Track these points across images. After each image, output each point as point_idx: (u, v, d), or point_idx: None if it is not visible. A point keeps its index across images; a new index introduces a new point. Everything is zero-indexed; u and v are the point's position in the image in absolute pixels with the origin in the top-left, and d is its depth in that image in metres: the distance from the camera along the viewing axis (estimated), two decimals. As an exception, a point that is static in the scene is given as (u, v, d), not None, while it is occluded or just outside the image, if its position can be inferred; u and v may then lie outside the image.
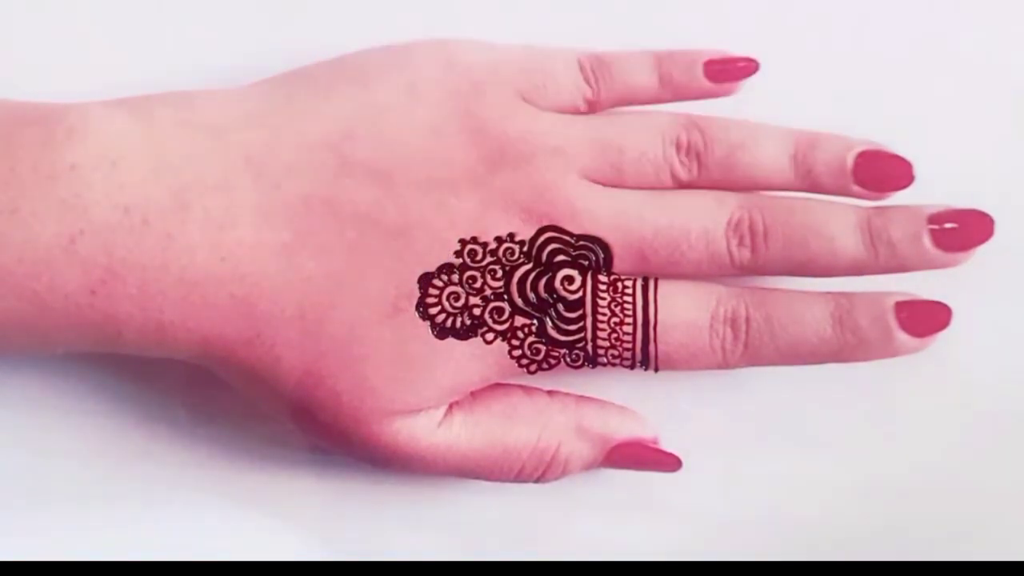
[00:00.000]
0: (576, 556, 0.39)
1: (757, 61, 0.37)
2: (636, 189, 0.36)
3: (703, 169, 0.36)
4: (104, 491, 0.39)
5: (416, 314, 0.34)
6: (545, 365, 0.35)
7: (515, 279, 0.35)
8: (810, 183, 0.36)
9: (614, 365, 0.35)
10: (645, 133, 0.36)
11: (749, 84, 0.37)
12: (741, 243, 0.35)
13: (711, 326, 0.35)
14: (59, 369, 0.39)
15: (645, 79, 0.37)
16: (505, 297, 0.35)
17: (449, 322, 0.34)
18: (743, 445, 0.40)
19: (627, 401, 0.38)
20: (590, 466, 0.38)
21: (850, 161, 0.36)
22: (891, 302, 0.35)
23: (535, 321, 0.35)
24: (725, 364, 0.35)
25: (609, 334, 0.35)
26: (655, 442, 0.38)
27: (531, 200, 0.35)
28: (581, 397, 0.38)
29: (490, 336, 0.35)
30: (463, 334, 0.35)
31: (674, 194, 0.36)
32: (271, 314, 0.33)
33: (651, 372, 0.35)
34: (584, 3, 0.40)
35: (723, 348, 0.35)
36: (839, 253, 0.35)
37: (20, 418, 0.39)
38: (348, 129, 0.34)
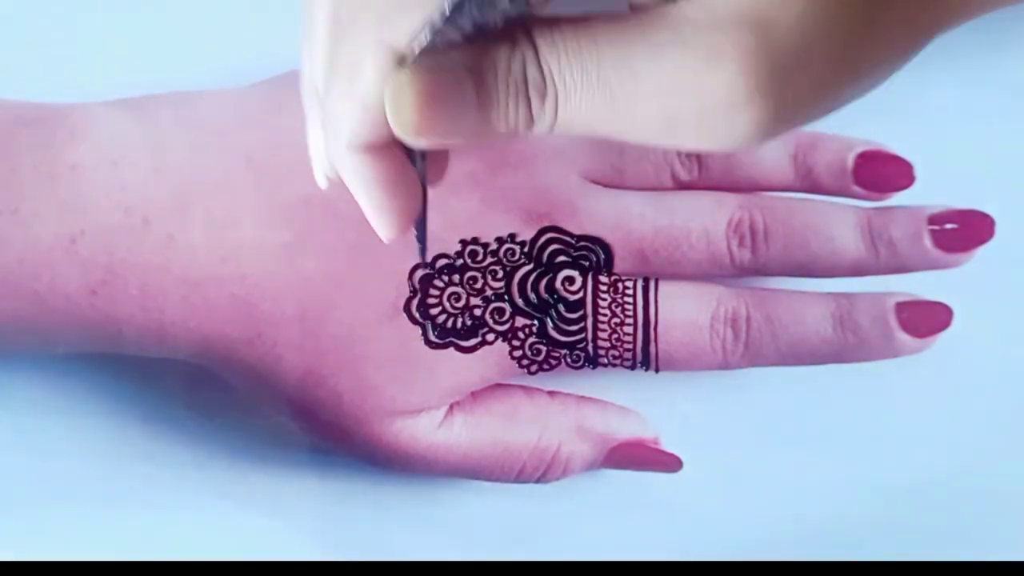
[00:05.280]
0: (576, 556, 0.39)
1: None
2: (637, 190, 0.36)
3: (703, 169, 0.36)
4: (104, 491, 0.39)
5: (417, 314, 0.34)
6: (546, 366, 0.35)
7: (516, 280, 0.35)
8: (810, 183, 0.36)
9: (615, 366, 0.35)
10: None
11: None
12: (741, 243, 0.35)
13: (712, 326, 0.35)
14: (59, 369, 0.39)
15: None
16: (506, 298, 0.35)
17: (450, 323, 0.34)
18: (743, 445, 0.40)
19: (627, 401, 0.38)
20: (591, 466, 0.38)
21: (850, 161, 0.36)
22: (891, 302, 0.35)
23: (536, 322, 0.35)
24: (726, 364, 0.35)
25: (610, 335, 0.35)
26: (655, 442, 0.38)
27: (532, 200, 0.35)
28: (582, 397, 0.38)
29: (491, 337, 0.35)
30: (464, 335, 0.35)
31: (674, 194, 0.36)
32: (272, 314, 0.33)
33: (652, 373, 0.35)
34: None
35: (724, 348, 0.35)
36: (839, 253, 0.35)
37: (20, 418, 0.39)
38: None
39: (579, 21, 0.25)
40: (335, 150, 0.27)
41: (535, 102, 0.25)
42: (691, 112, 0.24)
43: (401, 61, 0.25)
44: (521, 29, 0.25)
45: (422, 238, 0.30)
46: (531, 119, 0.25)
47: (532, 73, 0.25)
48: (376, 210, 0.27)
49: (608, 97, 0.24)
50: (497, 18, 0.25)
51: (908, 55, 0.26)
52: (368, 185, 0.27)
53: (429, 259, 0.34)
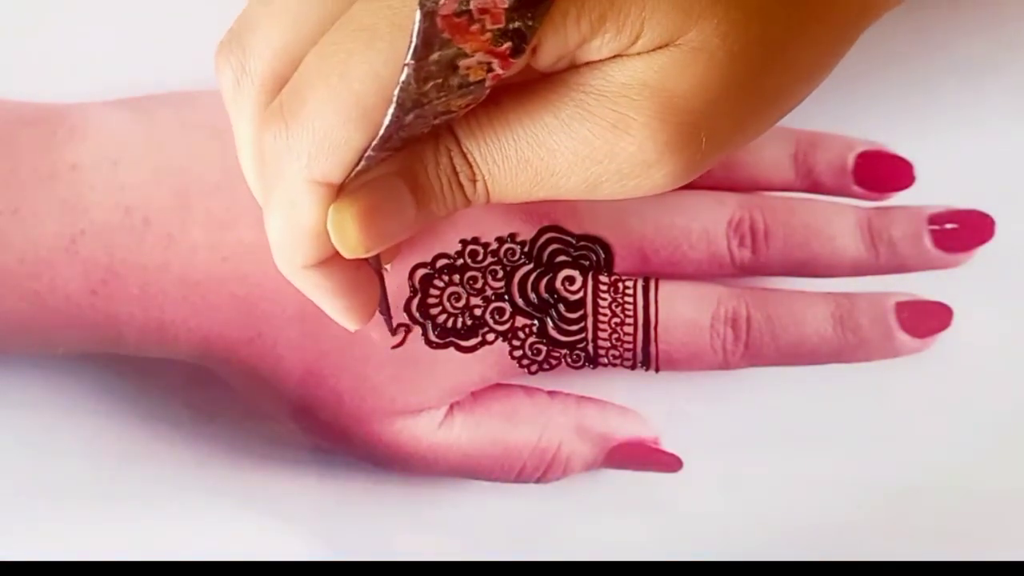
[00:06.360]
0: (576, 556, 0.39)
1: None
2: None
3: (703, 169, 0.36)
4: (104, 491, 0.39)
5: (417, 314, 0.34)
6: (546, 366, 0.35)
7: (516, 279, 0.35)
8: (811, 183, 0.36)
9: (615, 365, 0.35)
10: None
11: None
12: (742, 243, 0.35)
13: (712, 326, 0.35)
14: (59, 369, 0.38)
15: None
16: (506, 297, 0.35)
17: (450, 322, 0.34)
18: (743, 445, 0.40)
19: (627, 401, 0.38)
20: (591, 466, 0.38)
21: (850, 161, 0.36)
22: (891, 302, 0.35)
23: (536, 321, 0.35)
24: (726, 364, 0.35)
25: (610, 334, 0.35)
26: (655, 442, 0.38)
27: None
28: (582, 397, 0.38)
29: (491, 336, 0.35)
30: (464, 334, 0.35)
31: (675, 194, 0.36)
32: (272, 314, 0.33)
33: (652, 373, 0.35)
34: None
35: (724, 348, 0.35)
36: (840, 253, 0.35)
37: (21, 418, 0.39)
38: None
39: (491, 103, 0.25)
40: (285, 270, 0.27)
41: (467, 187, 0.26)
42: (609, 174, 0.26)
43: (332, 189, 0.26)
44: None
45: (385, 311, 0.31)
46: (467, 200, 0.27)
47: (459, 162, 0.26)
48: (338, 312, 0.28)
49: (531, 173, 0.26)
50: (425, 129, 0.25)
51: (823, 74, 0.27)
52: (325, 294, 0.28)
53: (395, 335, 0.34)
